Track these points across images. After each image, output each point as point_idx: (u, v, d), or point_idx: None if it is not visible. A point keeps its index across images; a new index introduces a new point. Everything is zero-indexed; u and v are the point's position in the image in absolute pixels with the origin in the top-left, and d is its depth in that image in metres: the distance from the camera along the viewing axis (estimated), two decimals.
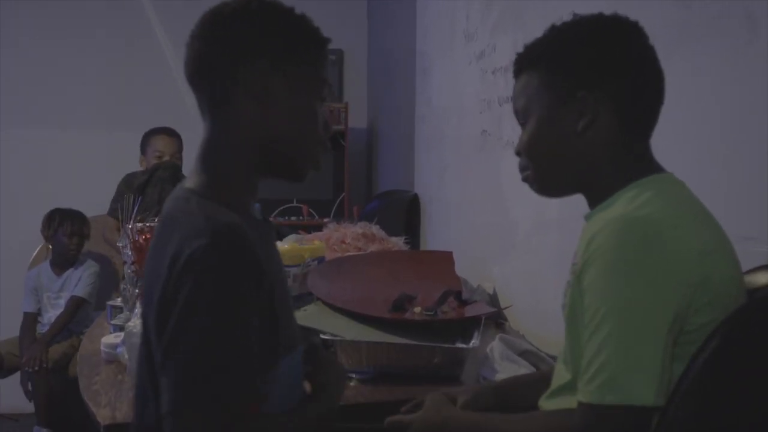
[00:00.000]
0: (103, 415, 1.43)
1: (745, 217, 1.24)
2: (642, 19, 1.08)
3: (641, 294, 0.90)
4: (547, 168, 1.09)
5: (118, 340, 1.80)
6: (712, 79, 1.38)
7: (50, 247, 3.61)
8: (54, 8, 4.27)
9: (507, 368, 1.58)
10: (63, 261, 3.57)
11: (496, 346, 1.64)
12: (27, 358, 3.30)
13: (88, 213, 3.65)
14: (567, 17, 1.10)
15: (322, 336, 1.65)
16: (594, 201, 1.07)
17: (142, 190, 3.23)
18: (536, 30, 1.15)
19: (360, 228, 2.52)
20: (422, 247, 3.45)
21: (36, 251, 3.85)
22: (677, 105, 1.44)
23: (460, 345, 1.65)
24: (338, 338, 1.64)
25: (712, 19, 1.37)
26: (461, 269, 2.28)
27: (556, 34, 1.09)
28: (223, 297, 0.89)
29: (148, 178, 3.31)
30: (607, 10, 1.09)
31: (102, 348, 1.83)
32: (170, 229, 0.96)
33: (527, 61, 1.11)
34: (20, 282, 3.66)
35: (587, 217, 1.09)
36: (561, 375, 1.10)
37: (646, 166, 1.05)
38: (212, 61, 1.00)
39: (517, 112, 1.13)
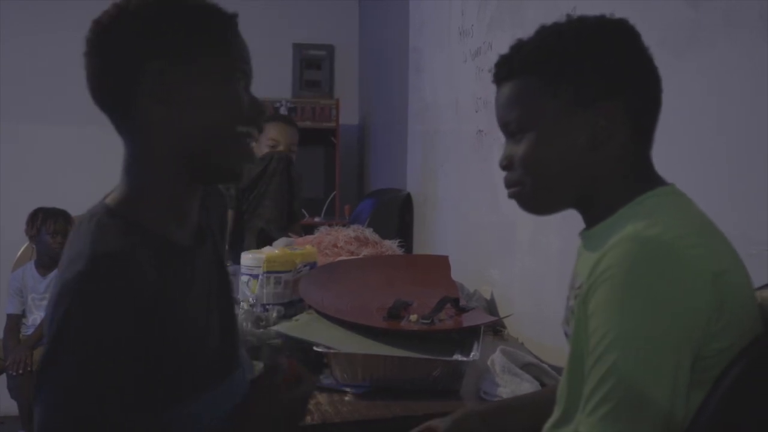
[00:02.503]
0: None
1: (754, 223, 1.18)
2: (650, 19, 1.01)
3: (654, 320, 0.84)
4: (550, 184, 1.00)
5: None
6: (724, 80, 1.33)
7: (34, 247, 3.54)
8: (35, 1, 4.16)
9: (509, 382, 1.52)
10: (48, 261, 3.50)
11: (497, 359, 1.58)
12: (11, 361, 3.24)
13: (73, 211, 3.57)
14: (566, 16, 1.02)
15: (315, 348, 1.59)
16: (593, 218, 1.00)
17: (256, 181, 2.94)
18: (536, 28, 1.05)
19: (352, 231, 2.46)
20: (416, 248, 3.39)
21: (20, 251, 3.77)
22: (688, 106, 1.39)
23: (459, 357, 1.59)
24: (332, 350, 1.58)
25: (722, 18, 1.32)
26: (457, 272, 2.22)
27: (556, 37, 0.98)
28: (92, 331, 0.82)
29: (263, 170, 2.95)
30: (610, 7, 1.02)
31: None
32: (67, 247, 0.92)
33: (521, 65, 0.99)
34: (4, 283, 3.59)
35: (585, 236, 1.02)
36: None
37: (650, 178, 0.99)
38: (105, 74, 0.94)
39: (506, 123, 1.01)
